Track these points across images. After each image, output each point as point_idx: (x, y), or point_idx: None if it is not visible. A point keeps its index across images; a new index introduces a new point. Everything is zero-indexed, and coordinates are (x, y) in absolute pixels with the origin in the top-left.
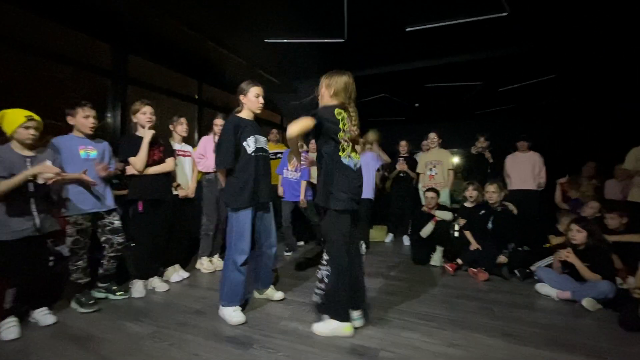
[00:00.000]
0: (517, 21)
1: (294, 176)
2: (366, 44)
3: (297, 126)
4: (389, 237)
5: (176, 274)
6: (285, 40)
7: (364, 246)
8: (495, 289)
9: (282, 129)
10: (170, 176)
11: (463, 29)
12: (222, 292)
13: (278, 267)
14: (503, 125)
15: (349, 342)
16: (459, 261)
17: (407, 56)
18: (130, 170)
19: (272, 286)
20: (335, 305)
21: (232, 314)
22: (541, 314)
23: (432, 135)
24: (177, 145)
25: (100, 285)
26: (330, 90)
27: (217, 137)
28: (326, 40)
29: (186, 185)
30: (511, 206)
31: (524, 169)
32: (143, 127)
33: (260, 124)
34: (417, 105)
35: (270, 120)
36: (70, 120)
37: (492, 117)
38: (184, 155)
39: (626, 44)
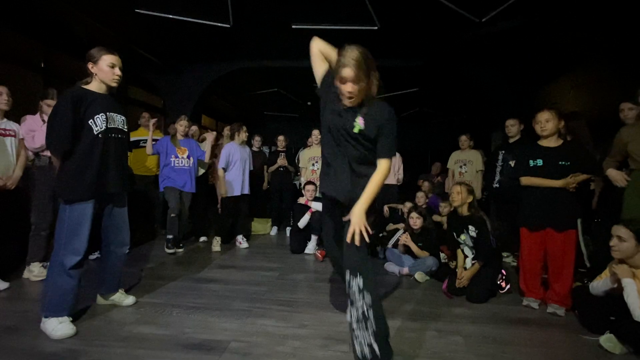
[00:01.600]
0: (387, 36)
1: (185, 164)
2: (253, 34)
3: None
4: (274, 230)
5: None
6: (161, 14)
7: (245, 240)
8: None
9: (164, 114)
10: None
11: (344, 35)
12: (45, 300)
13: (149, 267)
14: None
15: (198, 337)
16: None
17: (295, 54)
18: None
19: (121, 290)
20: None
21: (57, 327)
22: (384, 289)
23: (316, 132)
24: None
25: None
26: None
27: (44, 116)
28: (210, 23)
29: (6, 172)
30: None
31: None
32: None
33: (132, 105)
34: (309, 104)
35: (150, 104)
36: None
37: None
38: (5, 135)
39: (476, 66)
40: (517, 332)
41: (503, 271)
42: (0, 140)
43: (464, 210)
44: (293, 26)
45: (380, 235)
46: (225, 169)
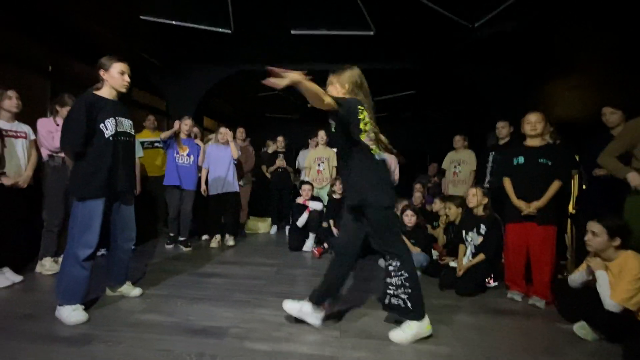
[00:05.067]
0: (383, 41)
1: (185, 161)
2: (253, 39)
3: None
4: (274, 229)
5: (2, 277)
6: (164, 21)
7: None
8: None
9: (168, 116)
10: None
11: (341, 40)
12: (60, 289)
13: (153, 262)
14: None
15: (201, 324)
16: (325, 245)
17: (294, 58)
18: None
19: (128, 282)
20: (418, 305)
21: (71, 314)
22: (375, 282)
23: (321, 134)
24: (6, 125)
25: None
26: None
27: (58, 119)
28: (212, 29)
29: (18, 172)
30: None
31: None
32: None
33: (137, 108)
34: (309, 105)
35: (154, 106)
36: None
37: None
38: (16, 137)
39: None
40: (499, 322)
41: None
42: (12, 142)
43: (479, 211)
44: (292, 32)
45: None
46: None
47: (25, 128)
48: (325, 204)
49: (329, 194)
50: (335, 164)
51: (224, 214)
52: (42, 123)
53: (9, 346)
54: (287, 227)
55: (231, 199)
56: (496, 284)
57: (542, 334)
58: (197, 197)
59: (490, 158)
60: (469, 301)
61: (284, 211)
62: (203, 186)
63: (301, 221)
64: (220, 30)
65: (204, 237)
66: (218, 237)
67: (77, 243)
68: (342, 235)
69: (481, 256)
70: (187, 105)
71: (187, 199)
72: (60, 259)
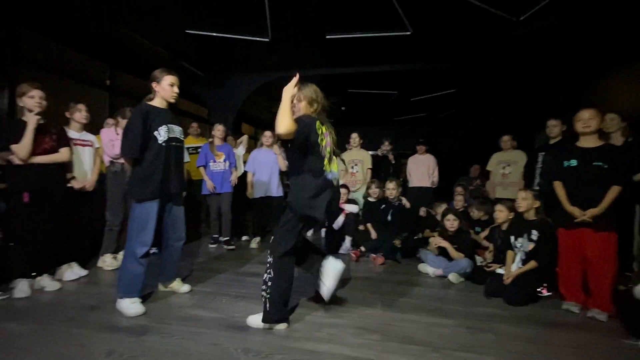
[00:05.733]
0: (420, 40)
1: (221, 167)
2: (290, 46)
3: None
4: (309, 232)
5: (70, 271)
6: (208, 33)
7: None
8: (388, 270)
9: (209, 123)
10: (63, 167)
11: (377, 42)
12: (120, 283)
13: (199, 261)
14: (413, 130)
15: (245, 321)
16: (362, 249)
17: (329, 62)
18: (15, 160)
19: (178, 279)
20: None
21: (130, 306)
22: (417, 288)
23: (354, 136)
24: (75, 134)
25: None
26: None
27: (118, 129)
28: (250, 38)
29: (84, 177)
30: (404, 200)
31: (421, 169)
32: (31, 111)
33: (181, 116)
34: (343, 109)
35: (197, 114)
36: None
37: (409, 123)
38: (84, 145)
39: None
40: (552, 334)
41: (546, 284)
42: (80, 149)
43: (530, 215)
44: (327, 36)
45: (416, 238)
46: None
47: (92, 137)
48: (361, 206)
49: (365, 197)
50: (369, 165)
51: (268, 217)
52: (104, 133)
53: (79, 333)
54: (323, 230)
55: (275, 203)
56: (550, 294)
57: (603, 349)
58: (235, 198)
59: (540, 159)
60: (519, 311)
61: None
62: (250, 189)
63: (337, 224)
64: (259, 39)
65: (244, 237)
66: (258, 238)
67: (134, 241)
68: None
69: (533, 263)
70: (226, 113)
71: (225, 201)
72: (119, 256)
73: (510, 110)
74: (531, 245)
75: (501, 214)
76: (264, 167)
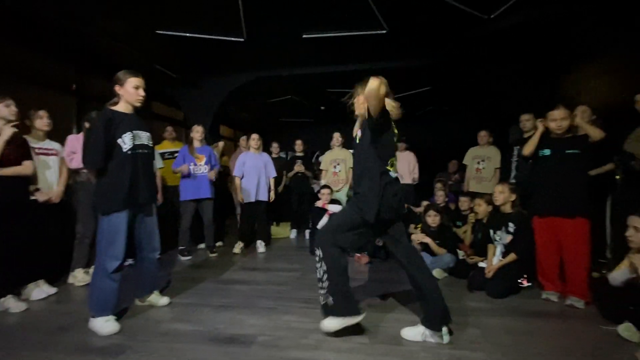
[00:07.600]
0: (396, 38)
1: (203, 170)
2: (266, 46)
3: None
4: (293, 233)
5: (38, 290)
6: (178, 34)
7: (263, 244)
8: (373, 269)
9: (185, 127)
10: (26, 179)
11: (353, 40)
12: (91, 301)
13: (177, 270)
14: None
15: (228, 332)
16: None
17: (306, 61)
18: None
19: (156, 291)
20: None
21: (104, 325)
22: (402, 285)
23: (336, 135)
24: (38, 143)
25: None
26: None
27: None
28: (225, 38)
29: (50, 188)
30: None
31: (402, 166)
32: (10, 121)
33: (156, 120)
34: (322, 108)
35: (173, 117)
36: None
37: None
38: (47, 154)
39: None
40: (535, 324)
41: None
42: (44, 159)
43: (507, 208)
44: (303, 35)
45: None
46: (241, 177)
47: (56, 145)
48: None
49: (348, 196)
50: (351, 165)
51: (255, 221)
52: (70, 141)
53: (48, 358)
54: (307, 231)
55: (263, 207)
56: (530, 284)
57: (583, 336)
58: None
59: (516, 152)
60: (501, 303)
61: (303, 215)
62: (240, 195)
63: (321, 225)
64: (233, 39)
65: (218, 243)
66: (241, 243)
67: (104, 256)
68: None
69: (512, 256)
70: (203, 115)
71: (207, 208)
72: (91, 270)
73: (486, 106)
74: (509, 238)
75: (480, 207)
76: (253, 171)
